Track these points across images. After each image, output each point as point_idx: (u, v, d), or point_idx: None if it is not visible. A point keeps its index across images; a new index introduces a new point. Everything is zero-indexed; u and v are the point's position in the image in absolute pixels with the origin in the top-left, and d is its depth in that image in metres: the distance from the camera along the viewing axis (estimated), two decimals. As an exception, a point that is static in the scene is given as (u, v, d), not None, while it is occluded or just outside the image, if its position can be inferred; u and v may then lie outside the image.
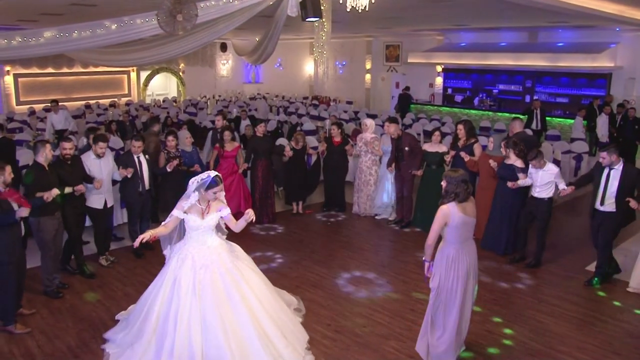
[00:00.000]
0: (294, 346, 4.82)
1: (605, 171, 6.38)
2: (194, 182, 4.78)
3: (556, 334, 5.46)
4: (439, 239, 4.74)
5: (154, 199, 7.95)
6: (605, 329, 5.59)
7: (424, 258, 4.82)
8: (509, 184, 7.11)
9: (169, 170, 7.64)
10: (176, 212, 4.80)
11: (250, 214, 4.76)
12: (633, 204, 6.12)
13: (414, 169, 8.47)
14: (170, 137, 7.98)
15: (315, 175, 9.96)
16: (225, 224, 5.08)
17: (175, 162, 7.71)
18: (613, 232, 6.54)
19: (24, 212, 5.17)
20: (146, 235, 4.71)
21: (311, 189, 9.89)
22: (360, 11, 7.32)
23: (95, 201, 6.88)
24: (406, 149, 8.47)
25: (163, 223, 4.87)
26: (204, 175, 4.78)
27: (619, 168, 6.33)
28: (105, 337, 5.10)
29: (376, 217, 9.25)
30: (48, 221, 5.92)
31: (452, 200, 4.58)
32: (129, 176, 7.05)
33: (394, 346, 5.19)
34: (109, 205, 7.05)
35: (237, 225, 4.95)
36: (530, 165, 6.97)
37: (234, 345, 4.54)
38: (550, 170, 6.86)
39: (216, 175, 4.78)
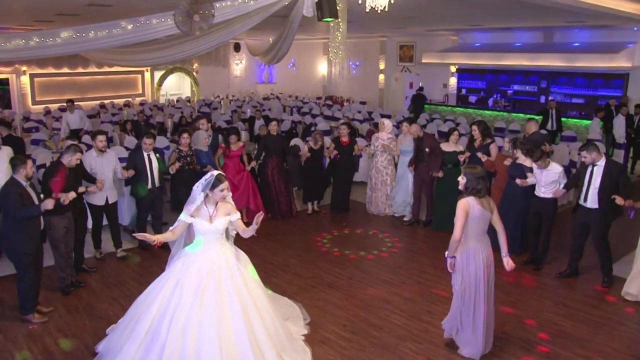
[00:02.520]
0: None
1: (589, 168, 6.43)
2: (198, 185, 4.70)
3: (575, 337, 5.40)
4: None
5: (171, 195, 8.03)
6: (625, 333, 5.51)
7: (446, 254, 4.82)
8: (518, 181, 7.05)
9: (171, 172, 7.68)
10: (183, 217, 4.69)
11: (257, 218, 4.66)
12: (619, 200, 6.15)
13: (434, 170, 8.41)
14: (184, 135, 8.01)
15: (329, 176, 9.93)
16: (235, 229, 4.96)
17: (178, 165, 7.70)
18: (604, 228, 6.51)
19: (49, 204, 5.33)
20: (152, 238, 4.66)
21: (324, 189, 9.87)
22: (379, 12, 7.28)
23: (96, 198, 6.93)
24: (426, 150, 8.44)
25: (171, 228, 4.79)
26: (207, 175, 4.70)
27: (601, 164, 6.36)
28: (97, 350, 4.92)
29: (394, 215, 9.21)
30: (58, 220, 5.98)
31: (471, 195, 4.70)
32: (128, 177, 7.15)
33: (411, 347, 5.17)
34: (110, 202, 7.08)
35: (247, 232, 4.81)
36: (535, 166, 6.96)
37: (226, 357, 4.39)
38: (554, 170, 6.84)
39: (219, 173, 4.72)
